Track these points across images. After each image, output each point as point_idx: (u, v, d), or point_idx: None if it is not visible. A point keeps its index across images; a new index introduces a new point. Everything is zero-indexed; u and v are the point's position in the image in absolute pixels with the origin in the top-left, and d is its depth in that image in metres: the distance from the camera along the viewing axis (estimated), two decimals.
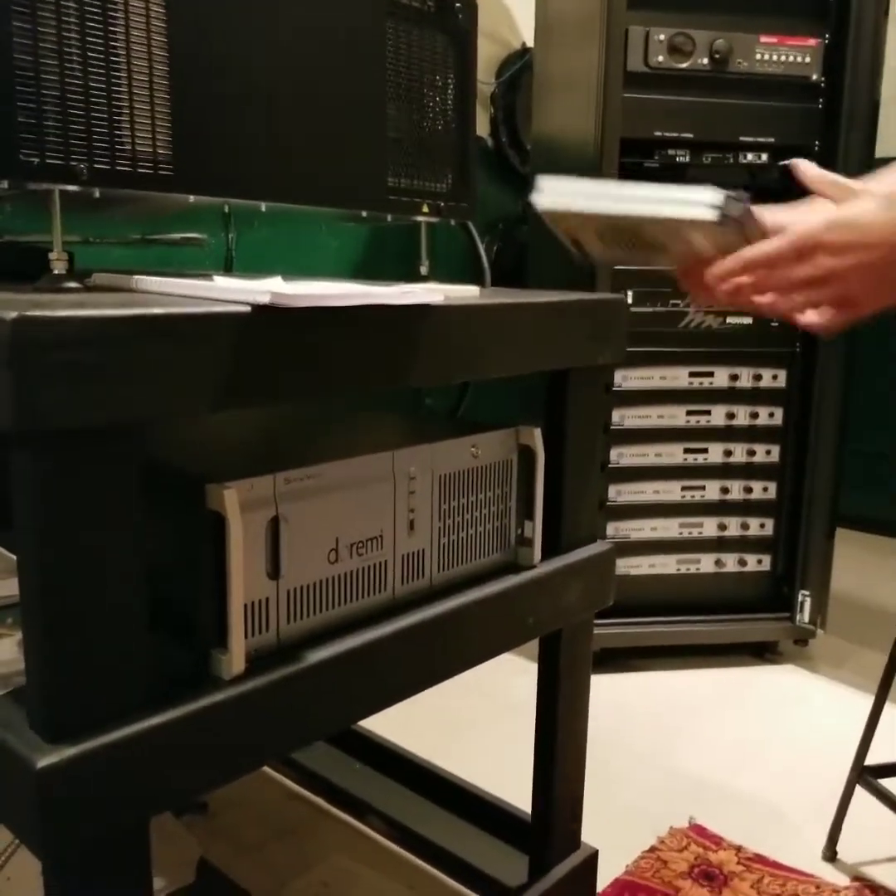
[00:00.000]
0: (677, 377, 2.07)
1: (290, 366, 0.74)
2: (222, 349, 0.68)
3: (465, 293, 0.98)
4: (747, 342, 2.09)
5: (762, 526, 2.18)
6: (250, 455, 0.92)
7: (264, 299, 0.71)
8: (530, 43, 2.83)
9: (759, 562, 2.19)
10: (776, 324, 2.07)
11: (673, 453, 2.10)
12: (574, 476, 1.14)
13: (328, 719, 0.80)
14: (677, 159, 1.98)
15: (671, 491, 2.11)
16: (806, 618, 2.17)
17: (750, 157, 1.99)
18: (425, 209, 1.15)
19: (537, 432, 1.09)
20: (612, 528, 2.08)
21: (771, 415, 2.13)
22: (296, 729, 0.76)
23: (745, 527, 2.17)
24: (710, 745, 1.80)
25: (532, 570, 1.10)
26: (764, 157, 2.00)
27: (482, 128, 2.86)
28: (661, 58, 1.91)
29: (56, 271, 0.80)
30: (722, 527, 2.16)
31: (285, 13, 0.96)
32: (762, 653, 2.22)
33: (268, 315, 0.71)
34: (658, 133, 1.96)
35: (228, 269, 1.27)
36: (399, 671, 0.88)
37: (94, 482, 0.62)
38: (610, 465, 2.06)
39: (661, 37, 1.91)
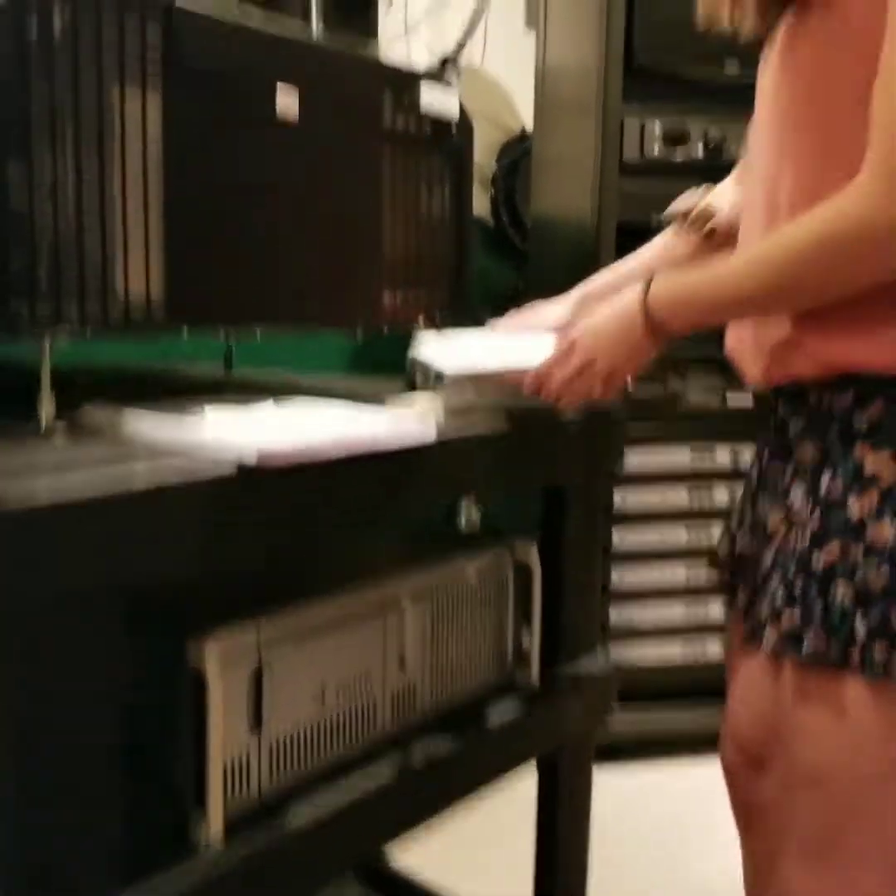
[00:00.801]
0: (679, 458, 2.06)
1: (278, 523, 0.72)
2: (208, 514, 0.67)
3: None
4: (749, 421, 2.07)
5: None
6: (234, 590, 0.90)
7: (251, 460, 0.70)
8: (530, 127, 2.89)
9: None
10: None
11: (677, 534, 2.08)
12: (572, 592, 1.12)
13: (312, 876, 0.77)
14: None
15: (676, 574, 2.08)
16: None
17: None
18: (422, 322, 1.15)
19: (533, 550, 1.07)
20: (615, 614, 2.05)
21: None
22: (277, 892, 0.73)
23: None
24: (725, 845, 1.75)
25: (530, 690, 1.08)
26: None
27: (483, 208, 2.90)
28: (656, 147, 1.93)
29: (44, 423, 0.80)
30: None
31: (282, 141, 0.96)
32: None
33: (253, 476, 0.70)
34: (655, 217, 1.97)
35: (228, 364, 1.29)
36: (391, 815, 0.85)
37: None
38: (612, 551, 2.04)
39: (657, 127, 1.93)
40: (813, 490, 0.86)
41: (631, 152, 1.93)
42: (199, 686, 0.69)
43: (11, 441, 0.78)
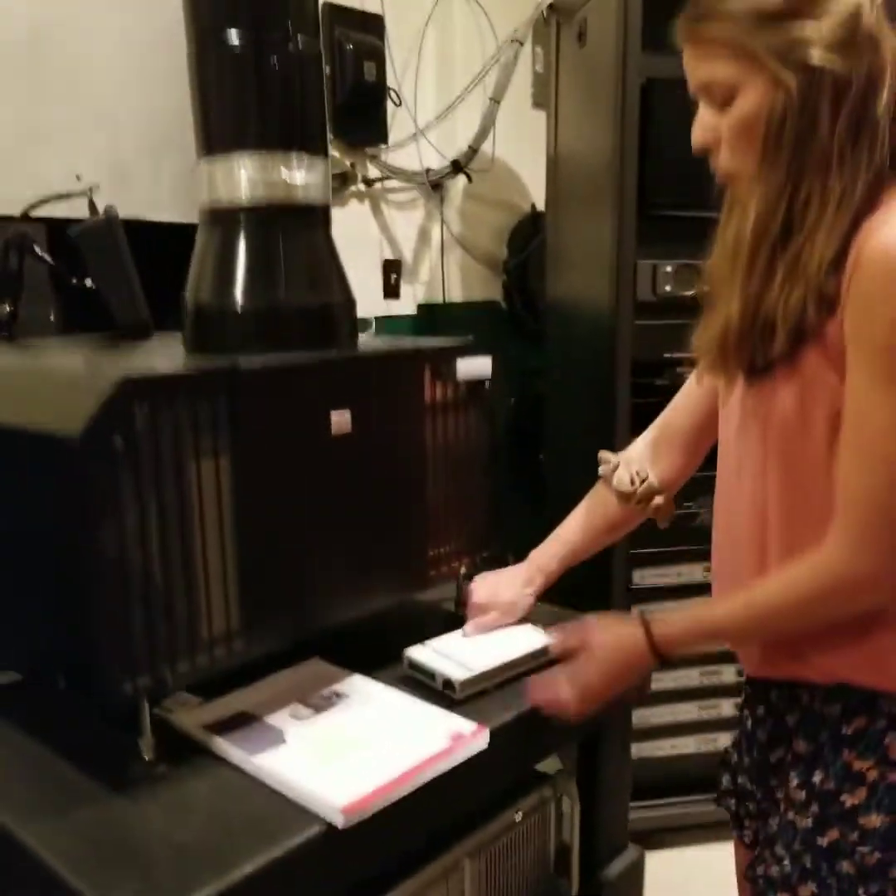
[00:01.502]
0: (693, 573, 2.17)
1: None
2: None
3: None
4: None
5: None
6: None
7: (338, 821, 0.82)
8: (539, 205, 2.95)
9: None
10: None
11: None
12: (607, 813, 1.24)
13: None
14: (686, 376, 2.08)
15: (689, 677, 2.21)
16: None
17: None
18: (463, 570, 1.26)
19: (573, 785, 1.19)
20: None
21: None
22: None
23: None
24: None
25: None
26: None
27: (496, 291, 2.98)
28: (668, 287, 2.02)
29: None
30: (737, 706, 2.25)
31: (337, 453, 1.06)
32: None
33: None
34: (667, 355, 2.06)
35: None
36: None
37: None
38: None
39: (668, 268, 2.02)
40: (809, 783, 1.00)
41: (644, 295, 2.02)
42: None
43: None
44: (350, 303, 1.09)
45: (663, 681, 2.20)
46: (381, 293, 2.67)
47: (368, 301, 2.58)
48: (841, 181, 0.90)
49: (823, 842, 0.98)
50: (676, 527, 2.13)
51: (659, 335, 2.05)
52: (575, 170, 2.34)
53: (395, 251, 2.70)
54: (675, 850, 2.22)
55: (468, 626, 1.24)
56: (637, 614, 1.05)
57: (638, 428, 2.01)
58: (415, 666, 1.14)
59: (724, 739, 2.25)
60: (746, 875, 1.09)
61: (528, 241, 2.94)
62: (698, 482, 2.10)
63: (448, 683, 1.09)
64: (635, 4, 1.89)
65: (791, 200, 0.91)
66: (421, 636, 1.19)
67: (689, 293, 1.97)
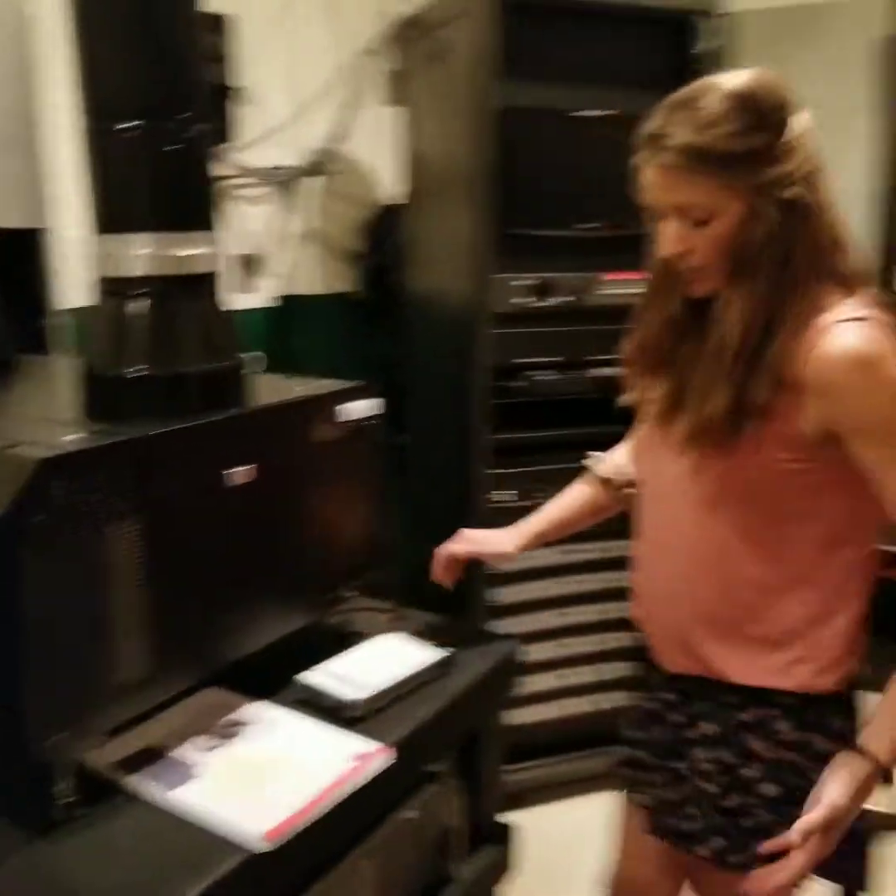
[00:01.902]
0: (546, 556, 2.36)
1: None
2: None
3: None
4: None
5: (627, 668, 2.51)
6: None
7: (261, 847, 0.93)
8: (394, 199, 3.03)
9: (628, 698, 2.53)
10: None
11: (548, 618, 2.40)
12: (483, 789, 1.40)
13: None
14: (540, 378, 2.25)
15: (547, 650, 2.41)
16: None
17: (598, 371, 2.29)
18: (349, 594, 1.37)
19: (455, 779, 1.34)
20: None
21: (618, 579, 2.46)
22: None
23: (614, 671, 2.49)
24: (581, 888, 2.12)
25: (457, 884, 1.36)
26: (609, 370, 2.29)
27: (352, 284, 3.04)
28: (524, 299, 2.17)
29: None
30: (594, 673, 2.48)
31: (234, 503, 1.14)
32: None
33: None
34: (523, 359, 2.22)
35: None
36: None
37: None
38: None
39: (522, 282, 2.16)
40: (716, 759, 1.22)
41: (501, 307, 2.15)
42: None
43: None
44: (241, 363, 1.17)
45: (530, 654, 2.39)
46: (237, 287, 2.70)
47: (224, 295, 2.61)
48: (807, 292, 1.07)
49: (729, 805, 1.21)
50: None
51: (514, 342, 2.21)
52: (433, 168, 2.43)
53: (250, 246, 2.72)
54: (550, 805, 2.44)
55: (456, 545, 1.42)
56: (847, 755, 1.13)
57: (498, 426, 2.18)
58: (311, 690, 1.24)
59: (582, 704, 2.48)
60: (652, 830, 1.32)
61: (383, 235, 3.02)
62: (555, 474, 2.30)
63: (346, 705, 1.20)
64: (494, 33, 2.00)
65: (770, 311, 1.07)
66: (309, 658, 1.29)
67: (536, 304, 2.15)
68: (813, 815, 1.09)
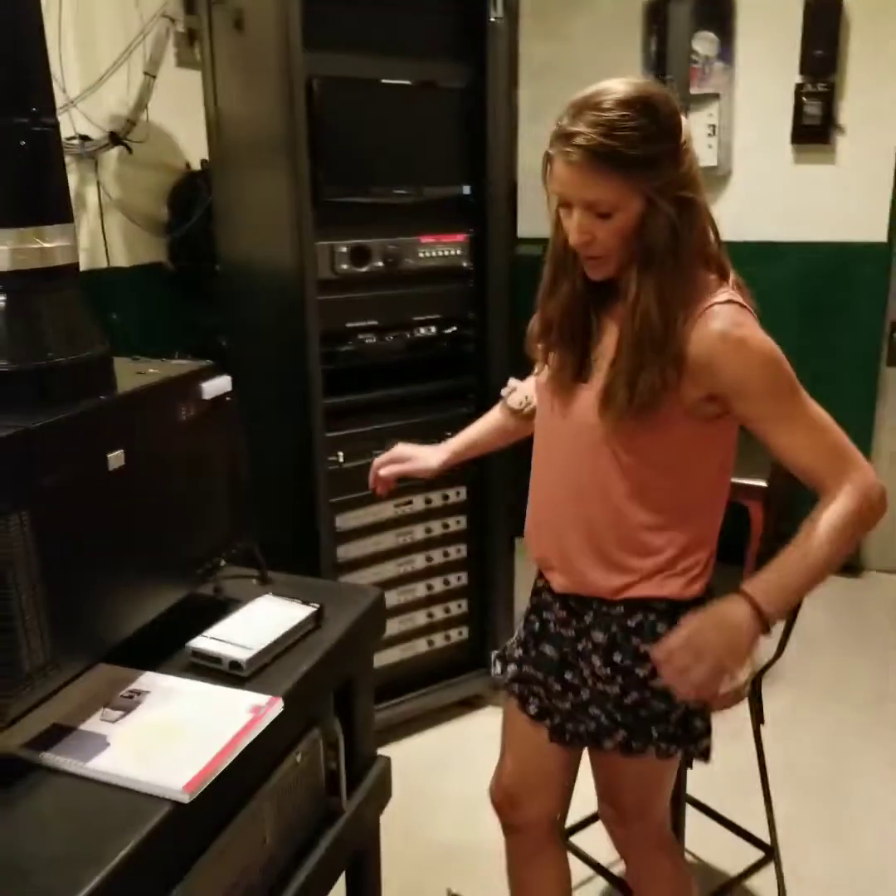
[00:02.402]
0: (385, 511, 2.50)
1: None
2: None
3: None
4: None
5: (459, 607, 2.72)
6: None
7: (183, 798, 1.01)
8: (195, 164, 2.99)
9: (460, 633, 2.73)
10: None
11: (388, 569, 2.55)
12: (364, 741, 1.53)
13: None
14: (367, 342, 2.36)
15: (390, 599, 2.55)
16: (497, 669, 2.75)
17: (422, 331, 2.43)
18: (222, 563, 1.44)
19: (336, 721, 1.46)
20: None
21: (457, 522, 2.65)
22: None
23: (447, 611, 2.69)
24: (448, 805, 2.33)
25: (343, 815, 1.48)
26: (433, 330, 2.44)
27: (160, 253, 3.00)
28: (345, 266, 2.25)
29: None
30: (430, 615, 2.66)
31: (114, 486, 1.19)
32: (471, 703, 2.79)
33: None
34: (350, 324, 2.31)
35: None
36: None
37: None
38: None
39: (344, 249, 2.25)
40: (611, 662, 1.42)
41: (324, 273, 2.23)
42: None
43: None
44: (108, 352, 1.20)
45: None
46: None
47: None
48: (695, 278, 1.27)
49: (628, 701, 1.42)
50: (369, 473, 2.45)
51: (340, 308, 2.30)
52: (241, 132, 2.42)
53: None
54: (419, 735, 2.62)
55: (389, 461, 1.67)
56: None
57: (329, 390, 2.27)
58: (200, 654, 1.31)
59: (420, 643, 2.66)
60: (553, 737, 1.53)
61: (188, 201, 2.98)
62: (385, 433, 2.44)
63: (235, 664, 1.29)
64: (295, 5, 2.04)
65: (673, 298, 1.24)
66: (191, 628, 1.35)
67: (363, 271, 2.25)
68: (672, 635, 1.27)
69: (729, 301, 1.27)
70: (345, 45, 2.21)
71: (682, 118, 1.24)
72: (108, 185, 2.78)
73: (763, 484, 3.15)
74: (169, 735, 1.15)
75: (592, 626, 1.44)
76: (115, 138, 2.66)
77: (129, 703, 1.21)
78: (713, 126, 3.39)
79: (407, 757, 2.53)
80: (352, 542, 2.46)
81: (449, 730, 2.69)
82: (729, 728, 2.48)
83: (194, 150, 2.96)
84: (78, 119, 2.63)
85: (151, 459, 1.25)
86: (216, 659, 1.30)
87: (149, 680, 1.26)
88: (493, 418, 1.68)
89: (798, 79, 3.27)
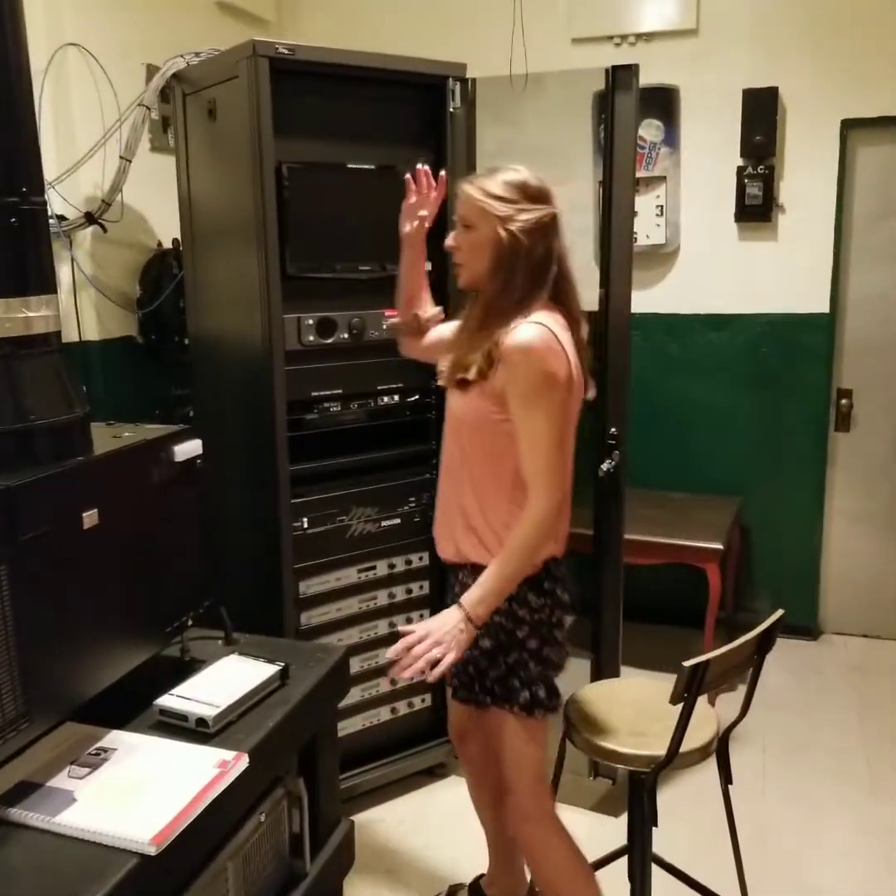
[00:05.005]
0: (349, 576, 2.53)
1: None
2: None
3: None
4: (398, 536, 2.60)
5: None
6: None
7: (150, 851, 1.03)
8: (166, 242, 3.09)
9: (423, 701, 2.74)
10: (418, 519, 2.61)
11: (352, 635, 2.56)
12: (327, 801, 1.54)
13: None
14: (332, 410, 2.43)
15: (352, 665, 2.57)
16: None
17: (385, 400, 2.50)
18: (189, 623, 1.48)
19: (300, 783, 1.48)
20: None
21: (420, 587, 2.68)
22: None
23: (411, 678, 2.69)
24: (411, 873, 2.31)
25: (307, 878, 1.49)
26: (396, 398, 2.52)
27: (131, 327, 3.06)
28: (311, 338, 2.34)
29: None
30: (392, 682, 2.66)
31: (88, 542, 1.23)
32: (434, 772, 2.78)
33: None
34: (315, 393, 2.39)
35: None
36: None
37: None
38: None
39: (310, 321, 2.33)
40: (497, 625, 1.72)
41: (292, 344, 2.31)
42: None
43: None
44: (86, 415, 1.25)
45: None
46: None
47: None
48: (523, 298, 1.64)
49: (509, 661, 1.74)
50: (333, 539, 2.50)
51: (306, 377, 2.37)
52: (211, 214, 2.53)
53: None
54: (382, 805, 2.61)
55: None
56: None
57: (295, 455, 2.32)
58: (167, 712, 1.34)
59: (384, 711, 2.66)
60: (455, 698, 1.91)
61: (158, 277, 3.07)
62: (350, 499, 2.49)
63: (201, 721, 1.31)
64: (265, 96, 2.16)
65: (500, 304, 1.64)
66: (158, 686, 1.38)
67: (329, 342, 2.33)
68: (409, 630, 1.63)
69: (537, 323, 1.62)
70: (312, 132, 2.33)
71: (545, 196, 1.67)
72: (83, 262, 2.85)
73: (719, 546, 3.24)
74: (136, 791, 1.17)
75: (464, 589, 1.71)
76: (90, 218, 2.74)
77: (95, 760, 1.23)
78: (661, 206, 3.57)
79: (370, 825, 2.53)
80: (315, 608, 2.48)
81: (413, 799, 2.67)
82: (695, 789, 2.53)
83: (165, 229, 3.06)
84: (54, 199, 2.72)
85: (124, 518, 1.30)
86: (183, 716, 1.32)
87: (115, 738, 1.28)
88: (421, 298, 2.00)
89: (740, 161, 3.47)
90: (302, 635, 2.45)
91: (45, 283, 1.17)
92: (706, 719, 1.85)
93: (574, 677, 2.02)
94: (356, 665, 2.58)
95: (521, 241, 1.62)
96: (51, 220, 2.66)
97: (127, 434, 1.41)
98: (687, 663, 1.59)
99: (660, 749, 1.72)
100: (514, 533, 1.63)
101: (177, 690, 1.38)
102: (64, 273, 2.84)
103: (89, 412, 1.26)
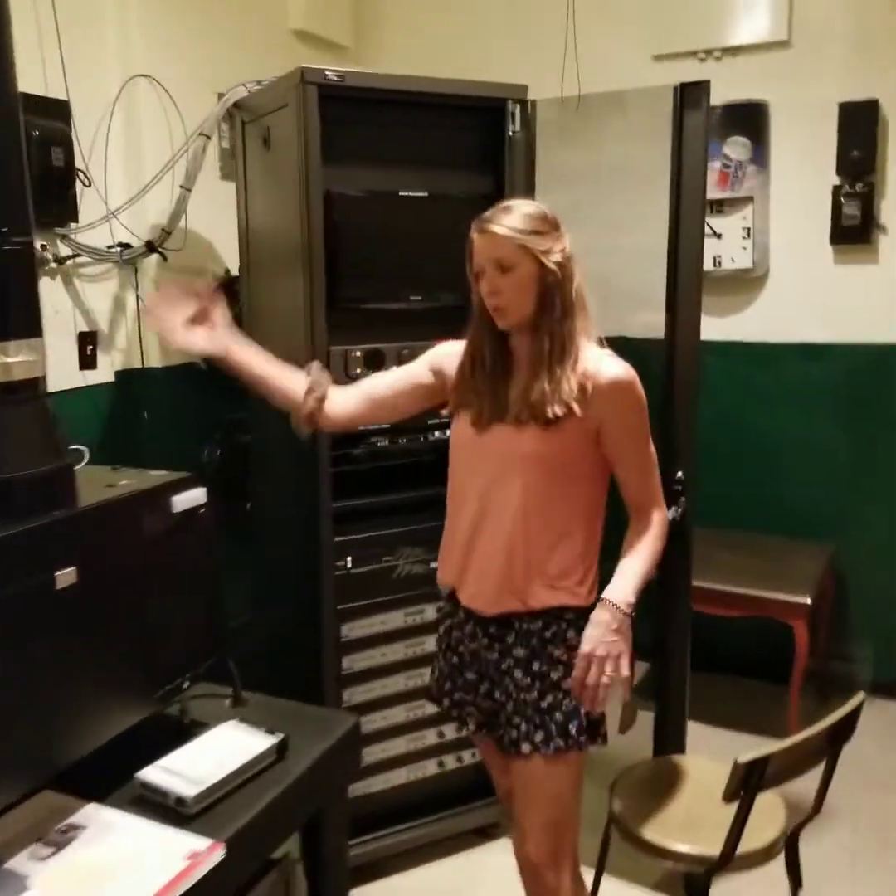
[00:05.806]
0: (395, 620, 2.42)
1: None
2: None
3: None
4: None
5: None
6: None
7: None
8: (233, 270, 3.06)
9: (473, 755, 2.58)
10: None
11: (397, 682, 2.44)
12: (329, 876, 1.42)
13: None
14: (378, 444, 2.33)
15: (397, 715, 2.45)
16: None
17: (436, 434, 2.39)
18: (186, 685, 1.38)
19: (299, 868, 1.36)
20: None
21: None
22: None
23: (459, 730, 2.55)
24: None
25: None
26: (447, 432, 2.39)
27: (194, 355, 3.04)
28: (359, 370, 2.24)
29: None
30: (440, 734, 2.53)
31: (64, 602, 1.15)
32: (485, 831, 2.62)
33: None
34: (362, 427, 2.29)
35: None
36: None
37: None
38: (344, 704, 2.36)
39: (358, 353, 2.24)
40: (530, 671, 1.64)
41: (339, 379, 2.21)
42: None
43: None
44: (68, 465, 1.18)
45: (375, 721, 2.42)
46: (76, 365, 2.68)
47: (64, 374, 2.57)
48: (572, 330, 1.59)
49: (544, 704, 1.62)
50: (379, 580, 2.39)
51: None
52: (267, 242, 2.49)
53: (90, 323, 2.70)
54: (427, 866, 2.46)
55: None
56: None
57: (339, 492, 2.23)
58: (147, 787, 1.24)
59: (430, 765, 2.52)
60: (495, 746, 1.73)
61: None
62: (397, 538, 2.38)
63: (180, 801, 1.21)
64: (314, 123, 2.09)
65: (562, 334, 1.59)
66: (148, 752, 1.28)
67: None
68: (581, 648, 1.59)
69: (613, 354, 1.62)
70: (365, 159, 2.25)
71: (561, 226, 1.63)
72: (147, 289, 2.85)
73: (807, 601, 2.98)
74: (97, 879, 1.07)
75: (515, 644, 1.65)
76: (150, 247, 2.73)
77: (61, 840, 1.14)
78: (748, 228, 3.35)
79: (414, 890, 2.38)
80: (358, 652, 2.37)
81: (461, 861, 2.52)
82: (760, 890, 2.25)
83: (229, 257, 3.04)
84: (118, 229, 2.72)
85: (109, 576, 1.21)
86: (163, 793, 1.23)
87: (89, 813, 1.19)
88: (286, 372, 1.85)
89: (835, 180, 3.22)
90: (343, 681, 2.35)
91: (29, 327, 1.10)
92: (772, 814, 1.64)
93: (633, 734, 1.84)
94: (401, 715, 2.45)
95: (567, 269, 1.61)
96: (114, 250, 2.67)
97: (124, 482, 1.34)
98: (741, 759, 1.40)
99: (715, 846, 1.52)
100: (644, 541, 1.66)
101: (162, 761, 1.28)
102: (129, 301, 2.84)
103: (74, 461, 1.19)
